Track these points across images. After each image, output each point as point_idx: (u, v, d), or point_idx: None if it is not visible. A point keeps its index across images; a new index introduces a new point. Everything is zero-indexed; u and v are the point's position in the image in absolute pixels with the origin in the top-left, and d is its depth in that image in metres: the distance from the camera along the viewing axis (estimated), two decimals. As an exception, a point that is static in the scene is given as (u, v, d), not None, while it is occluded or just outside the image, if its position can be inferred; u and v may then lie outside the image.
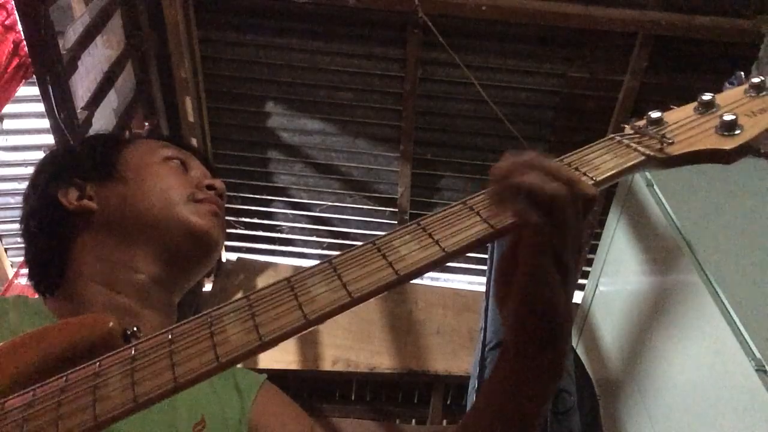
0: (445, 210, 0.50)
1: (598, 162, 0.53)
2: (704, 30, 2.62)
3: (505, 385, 0.54)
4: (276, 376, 0.85)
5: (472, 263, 3.51)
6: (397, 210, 3.41)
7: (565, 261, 0.47)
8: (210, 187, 0.81)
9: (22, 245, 0.81)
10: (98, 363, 0.44)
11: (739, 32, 2.58)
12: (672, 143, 0.54)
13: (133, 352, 0.44)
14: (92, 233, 0.76)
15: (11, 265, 3.38)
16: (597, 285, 2.12)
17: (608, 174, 0.52)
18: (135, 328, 0.49)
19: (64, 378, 0.44)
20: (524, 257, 0.48)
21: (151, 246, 0.75)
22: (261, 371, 0.86)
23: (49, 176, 0.80)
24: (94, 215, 0.76)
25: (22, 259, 3.08)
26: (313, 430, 0.80)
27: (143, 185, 0.77)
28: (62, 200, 0.77)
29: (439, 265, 0.47)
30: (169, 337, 0.44)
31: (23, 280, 2.62)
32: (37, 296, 0.77)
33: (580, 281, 3.33)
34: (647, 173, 1.79)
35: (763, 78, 0.59)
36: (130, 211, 0.75)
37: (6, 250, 3.38)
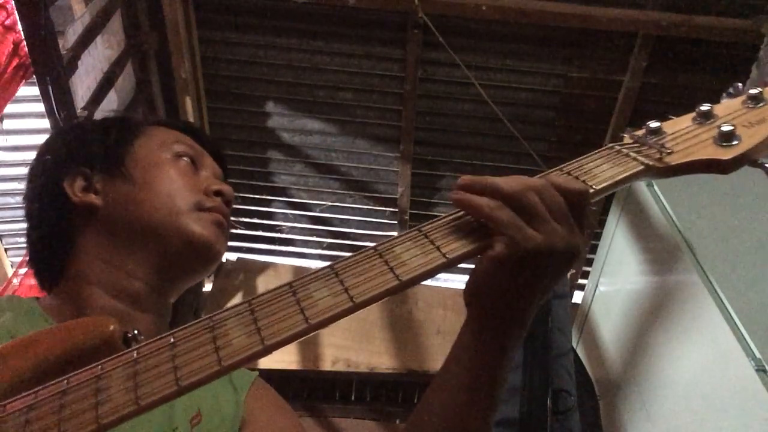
0: (447, 216, 0.50)
1: (597, 171, 0.53)
2: (704, 30, 2.62)
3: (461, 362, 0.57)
4: (276, 376, 0.85)
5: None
6: (397, 210, 3.41)
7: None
8: (218, 193, 0.78)
9: (24, 243, 0.79)
10: (100, 366, 0.44)
11: (739, 32, 2.58)
12: (671, 153, 0.55)
13: (135, 355, 0.44)
14: (94, 232, 0.74)
15: (11, 265, 3.38)
16: (597, 285, 2.12)
17: (607, 183, 0.52)
18: (135, 332, 0.49)
19: (66, 381, 0.44)
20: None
21: (151, 253, 0.73)
22: (261, 371, 0.86)
23: (57, 159, 0.77)
24: (97, 212, 0.74)
25: (21, 259, 3.08)
26: (300, 425, 0.81)
27: (149, 188, 0.74)
28: (67, 190, 0.74)
29: (440, 271, 0.48)
30: (171, 340, 0.45)
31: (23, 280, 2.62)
32: (29, 296, 0.77)
33: (580, 281, 3.33)
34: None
35: (760, 89, 0.60)
36: (132, 215, 0.73)
37: (6, 250, 3.38)
